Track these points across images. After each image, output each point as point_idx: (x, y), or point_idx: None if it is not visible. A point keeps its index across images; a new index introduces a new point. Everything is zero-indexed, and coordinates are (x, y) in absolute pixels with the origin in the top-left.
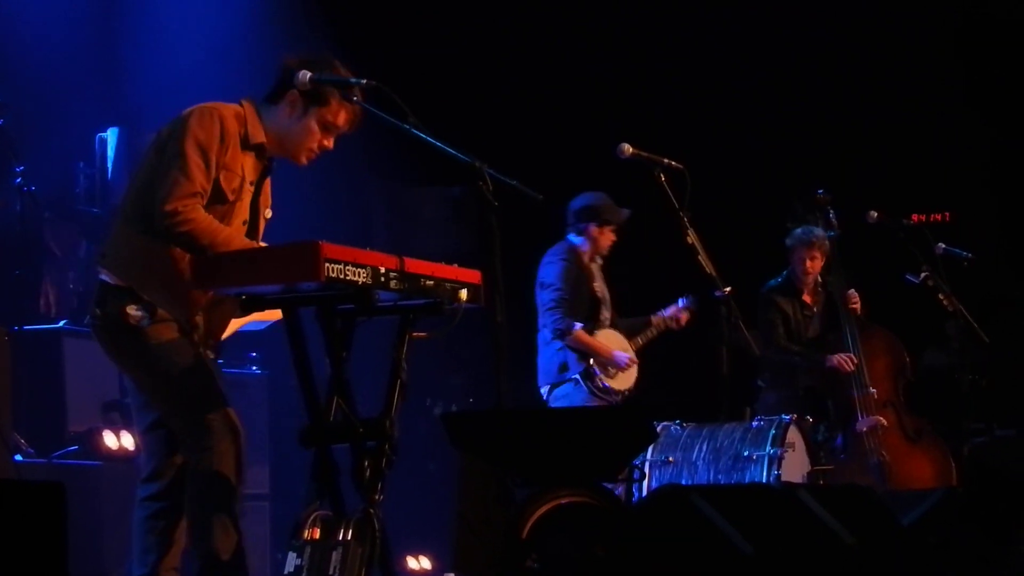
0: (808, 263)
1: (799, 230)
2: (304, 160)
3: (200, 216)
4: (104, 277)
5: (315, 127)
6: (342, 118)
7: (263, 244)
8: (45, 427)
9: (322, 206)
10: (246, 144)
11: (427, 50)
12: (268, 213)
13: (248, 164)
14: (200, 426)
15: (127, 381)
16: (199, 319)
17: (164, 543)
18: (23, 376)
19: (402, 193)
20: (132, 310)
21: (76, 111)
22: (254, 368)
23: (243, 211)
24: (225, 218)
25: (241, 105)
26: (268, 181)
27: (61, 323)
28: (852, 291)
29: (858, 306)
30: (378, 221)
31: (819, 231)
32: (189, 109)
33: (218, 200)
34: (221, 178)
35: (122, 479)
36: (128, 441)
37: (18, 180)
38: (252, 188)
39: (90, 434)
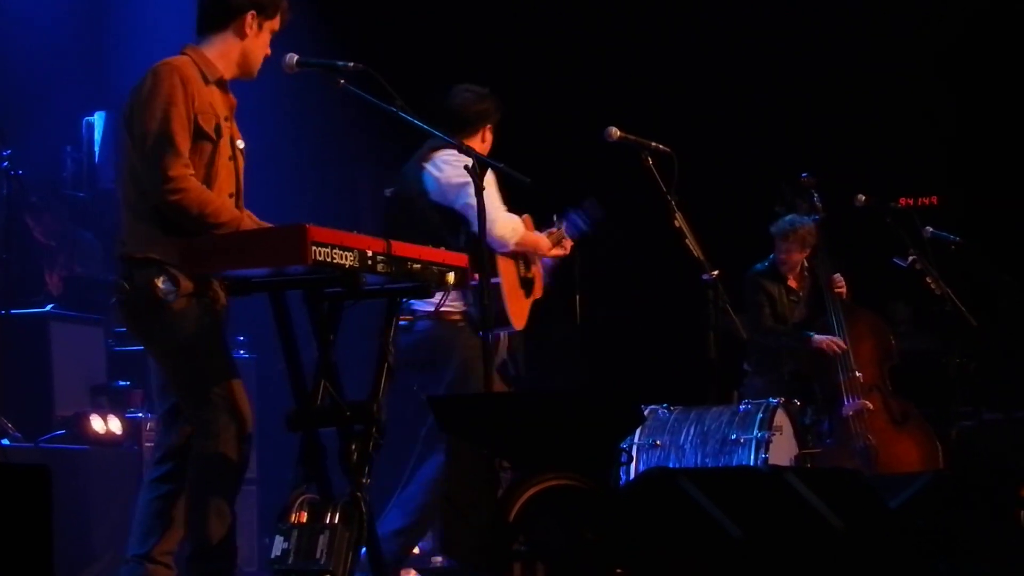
0: (784, 255)
1: (786, 219)
2: (256, 73)
3: (191, 185)
4: (129, 253)
5: (267, 38)
6: (281, 20)
7: (250, 215)
8: (32, 411)
9: (309, 190)
10: (207, 83)
11: (414, 33)
12: (241, 143)
13: (216, 101)
14: (207, 410)
15: (149, 360)
16: (219, 287)
17: (164, 526)
18: (10, 360)
19: (389, 177)
20: (160, 282)
21: (63, 95)
22: (241, 352)
23: (227, 147)
24: (210, 154)
25: (185, 53)
26: (233, 113)
27: (48, 307)
28: (837, 275)
29: (843, 290)
30: (365, 204)
31: (803, 221)
32: (142, 77)
33: (205, 139)
34: (200, 121)
35: (109, 463)
36: (115, 425)
37: (4, 164)
38: (228, 124)
39: (77, 418)
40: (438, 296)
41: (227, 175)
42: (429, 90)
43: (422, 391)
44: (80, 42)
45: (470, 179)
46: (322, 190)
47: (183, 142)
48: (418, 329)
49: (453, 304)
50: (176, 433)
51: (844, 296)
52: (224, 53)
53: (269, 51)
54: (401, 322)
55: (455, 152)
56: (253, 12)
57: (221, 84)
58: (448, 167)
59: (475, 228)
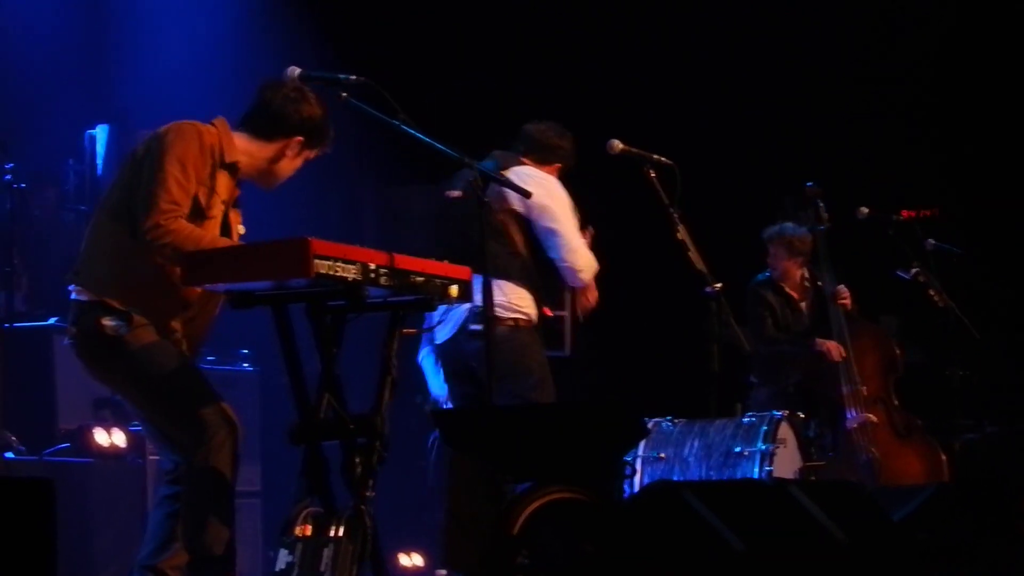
0: (771, 260)
1: (769, 227)
2: (271, 190)
3: (181, 226)
4: (75, 296)
5: (299, 164)
6: (320, 153)
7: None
8: (36, 424)
9: (312, 203)
10: (221, 162)
11: (417, 47)
12: (241, 230)
13: (222, 183)
14: (194, 424)
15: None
16: (176, 325)
17: (176, 542)
18: (13, 373)
19: (392, 190)
20: (107, 321)
21: (65, 108)
22: (244, 365)
23: (214, 228)
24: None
25: (214, 125)
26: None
27: (52, 320)
28: (842, 287)
29: (848, 301)
30: (368, 218)
31: (792, 228)
32: (166, 126)
33: (196, 215)
34: (199, 193)
35: (113, 476)
36: (119, 438)
37: (7, 177)
38: (224, 207)
39: (81, 431)
40: (518, 302)
41: None
42: (431, 104)
43: (499, 398)
44: (83, 55)
45: (554, 205)
46: (324, 203)
47: (183, 199)
48: (496, 336)
49: (526, 311)
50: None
51: (849, 308)
52: (252, 154)
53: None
54: (472, 326)
55: (535, 169)
56: (301, 139)
57: (232, 169)
58: (539, 187)
59: (551, 253)
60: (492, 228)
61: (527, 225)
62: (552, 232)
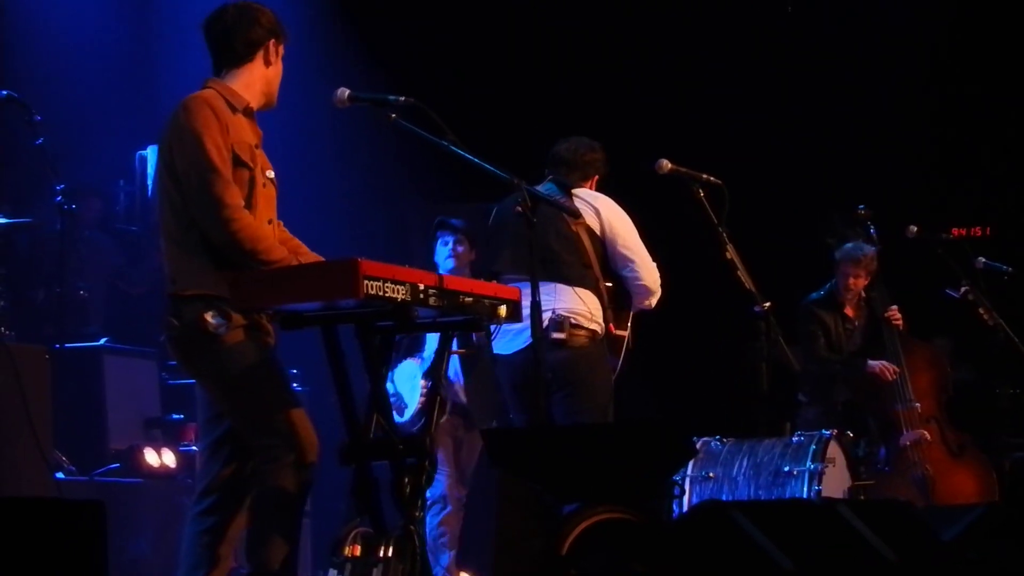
0: (851, 280)
1: (849, 245)
2: (276, 99)
3: (246, 217)
4: (175, 292)
5: (281, 63)
6: (286, 42)
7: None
8: (86, 445)
9: (361, 223)
10: (234, 112)
11: (465, 67)
12: (271, 173)
13: (246, 130)
14: (267, 437)
15: (197, 392)
16: (267, 320)
17: (212, 558)
18: (64, 394)
19: (440, 210)
20: (210, 316)
21: (116, 129)
22: (294, 385)
23: (261, 175)
24: (248, 182)
25: (208, 87)
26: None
27: (102, 341)
28: (894, 307)
29: (900, 322)
30: (416, 237)
31: (869, 248)
32: (172, 114)
33: (243, 166)
34: (236, 150)
35: (163, 496)
36: (169, 458)
37: (58, 199)
38: (260, 151)
39: (131, 451)
40: (596, 313)
41: (266, 202)
42: (478, 123)
43: (566, 413)
44: (133, 76)
45: (627, 226)
46: (372, 223)
47: (226, 170)
48: (576, 347)
49: (601, 323)
50: (220, 463)
51: (901, 328)
52: (249, 84)
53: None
54: (556, 335)
55: (596, 193)
56: (273, 40)
57: (248, 113)
58: (607, 209)
59: (625, 272)
60: (565, 239)
61: (600, 243)
62: (628, 250)
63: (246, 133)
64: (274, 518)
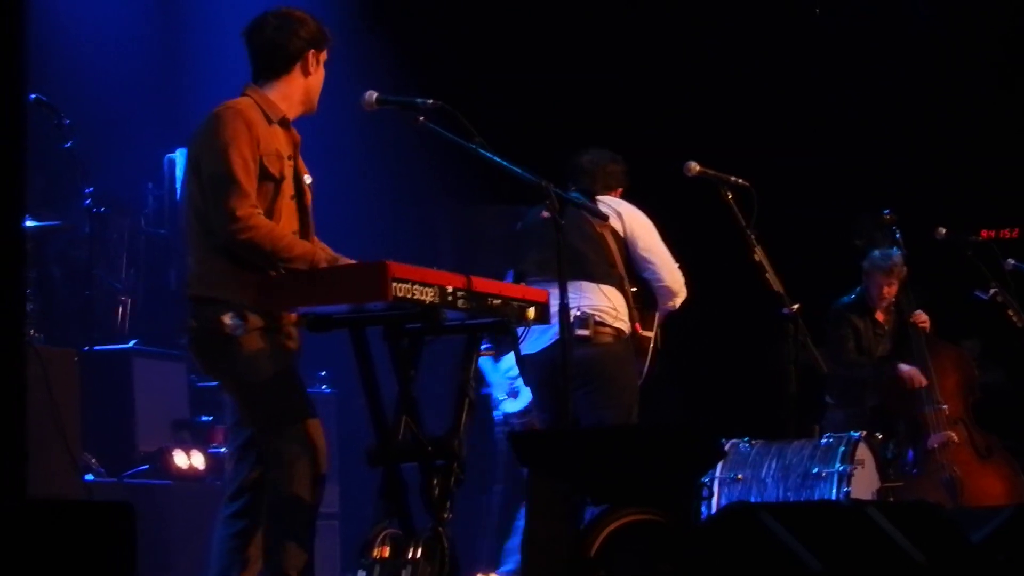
0: (885, 289)
1: (876, 253)
2: (317, 105)
3: (262, 223)
4: (195, 293)
5: (323, 70)
6: (329, 48)
7: (324, 246)
8: (115, 447)
9: (389, 226)
10: (270, 123)
11: (494, 70)
12: (308, 178)
13: (280, 141)
14: (279, 440)
15: (224, 396)
16: (289, 323)
17: (242, 561)
18: (93, 396)
19: (468, 212)
20: (228, 319)
21: (144, 132)
22: (323, 387)
23: (289, 186)
24: (272, 194)
25: (246, 94)
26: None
27: (131, 343)
28: (920, 312)
29: (927, 324)
30: (444, 240)
31: (897, 256)
32: (205, 120)
33: (269, 179)
34: (265, 163)
35: (192, 498)
36: (198, 460)
37: (87, 202)
38: (291, 162)
39: (160, 453)
40: (621, 311)
41: (289, 214)
42: (507, 125)
43: (589, 409)
44: (161, 80)
45: (650, 230)
46: (400, 226)
47: (248, 182)
48: (600, 344)
49: (626, 321)
50: (248, 467)
51: (927, 331)
52: (287, 95)
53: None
54: (580, 331)
55: (621, 200)
56: (313, 50)
57: (284, 123)
58: (630, 215)
59: (647, 275)
60: (590, 240)
61: (623, 245)
62: (650, 253)
63: (280, 144)
64: (292, 525)
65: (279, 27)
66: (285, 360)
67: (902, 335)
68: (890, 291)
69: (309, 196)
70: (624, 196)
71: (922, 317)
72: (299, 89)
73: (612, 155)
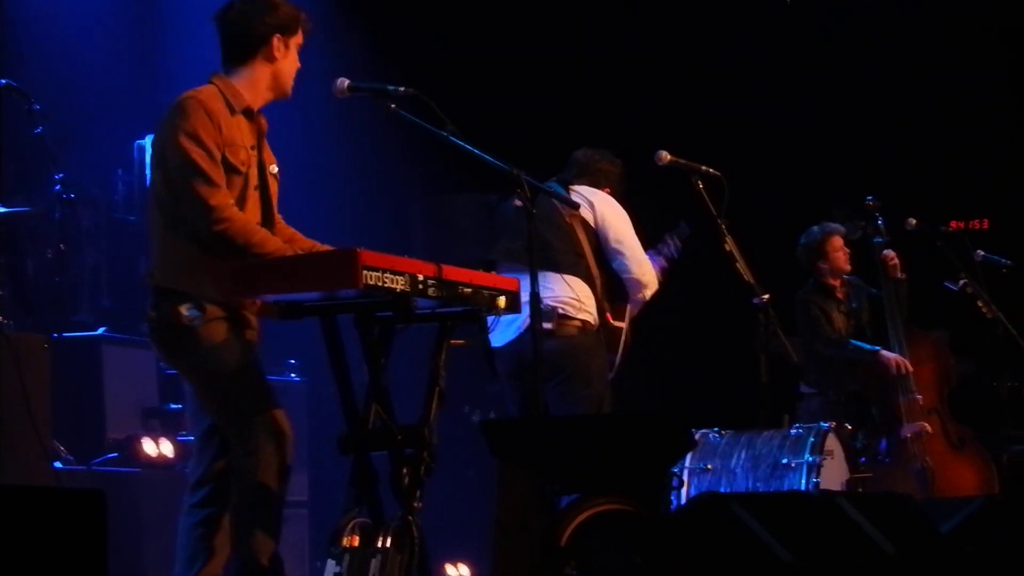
0: (842, 252)
1: (815, 228)
2: (291, 90)
3: (235, 215)
4: (155, 284)
5: (295, 54)
6: (303, 32)
7: (297, 234)
8: (84, 434)
9: (360, 214)
10: (233, 113)
11: (462, 57)
12: (274, 168)
13: (244, 130)
14: (245, 429)
15: (184, 385)
16: (250, 314)
17: (208, 549)
18: (62, 383)
19: (439, 201)
20: (184, 309)
21: (115, 119)
22: (293, 375)
23: (254, 177)
24: (241, 187)
25: (212, 83)
26: (264, 138)
27: (100, 330)
28: (888, 251)
29: (896, 263)
30: (416, 229)
31: (830, 224)
32: (168, 109)
33: (234, 172)
34: (227, 154)
35: (162, 486)
36: (167, 448)
37: (57, 188)
38: (255, 152)
39: (129, 441)
40: (586, 302)
41: (253, 205)
42: (477, 114)
43: (560, 401)
44: (132, 66)
45: (620, 221)
46: (372, 214)
47: (215, 172)
48: (565, 336)
49: (592, 312)
50: (211, 455)
51: (899, 273)
52: (254, 82)
53: (299, 64)
54: (544, 324)
55: (595, 189)
56: (278, 35)
57: (248, 113)
58: (603, 204)
59: (616, 265)
60: (559, 228)
61: (594, 235)
62: (620, 244)
63: (243, 135)
64: (259, 514)
65: (244, 12)
66: (245, 350)
67: (880, 322)
68: (846, 254)
69: (275, 186)
70: (617, 199)
71: (891, 257)
72: (266, 75)
73: (611, 157)
